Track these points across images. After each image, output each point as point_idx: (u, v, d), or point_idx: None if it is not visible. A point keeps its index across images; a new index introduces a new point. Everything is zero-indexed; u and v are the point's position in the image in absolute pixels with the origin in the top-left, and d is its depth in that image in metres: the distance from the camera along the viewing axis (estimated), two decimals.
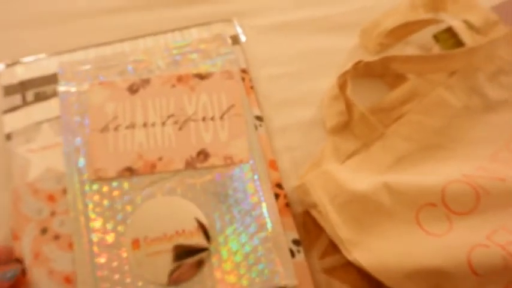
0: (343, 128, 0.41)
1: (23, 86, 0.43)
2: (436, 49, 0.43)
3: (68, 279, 0.36)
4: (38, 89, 0.43)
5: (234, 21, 0.47)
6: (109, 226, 0.37)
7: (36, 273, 0.36)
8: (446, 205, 0.35)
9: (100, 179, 0.39)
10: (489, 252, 0.32)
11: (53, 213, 0.38)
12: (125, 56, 0.44)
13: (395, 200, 0.36)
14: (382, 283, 0.34)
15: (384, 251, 0.34)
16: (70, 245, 0.37)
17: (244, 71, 0.44)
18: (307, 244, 0.38)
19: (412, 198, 0.35)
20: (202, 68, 0.44)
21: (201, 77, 0.43)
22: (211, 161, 0.40)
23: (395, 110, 0.41)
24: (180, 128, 0.41)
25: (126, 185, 0.39)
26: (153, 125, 0.41)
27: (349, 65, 0.41)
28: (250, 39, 0.46)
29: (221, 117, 0.41)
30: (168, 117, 0.41)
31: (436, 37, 0.44)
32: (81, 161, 0.39)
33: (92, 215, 0.38)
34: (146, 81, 0.43)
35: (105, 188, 0.39)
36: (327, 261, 0.38)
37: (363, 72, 0.42)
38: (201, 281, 0.36)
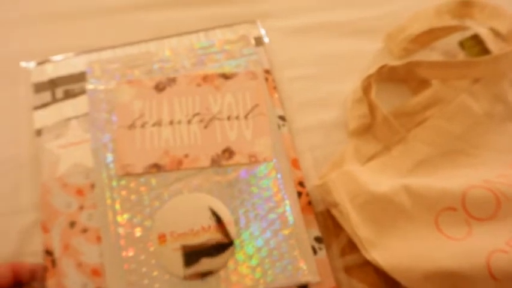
0: (365, 130, 0.42)
1: (52, 84, 0.44)
2: (462, 56, 0.44)
3: (96, 272, 0.37)
4: (67, 86, 0.44)
5: (258, 23, 0.48)
6: (136, 220, 0.38)
7: (66, 265, 0.37)
8: (466, 210, 0.35)
9: (128, 175, 0.40)
10: (509, 257, 0.32)
11: (81, 207, 0.39)
12: (151, 56, 0.45)
13: (415, 202, 0.36)
14: (399, 284, 0.34)
15: (402, 252, 0.35)
16: (98, 238, 0.38)
17: (267, 71, 0.45)
18: (326, 242, 0.39)
19: (432, 201, 0.36)
20: (227, 68, 0.45)
21: (226, 76, 0.44)
22: (236, 158, 0.41)
23: (417, 115, 0.41)
24: (205, 126, 0.42)
25: (153, 181, 0.40)
26: (179, 122, 0.42)
27: (373, 69, 0.42)
28: (273, 40, 0.47)
29: (245, 117, 0.42)
30: (194, 115, 0.42)
31: (462, 44, 0.44)
32: (109, 157, 0.41)
33: (120, 210, 0.39)
34: (172, 80, 0.44)
35: (132, 184, 0.40)
36: (344, 260, 0.38)
37: (387, 76, 0.43)
38: (226, 275, 0.37)
